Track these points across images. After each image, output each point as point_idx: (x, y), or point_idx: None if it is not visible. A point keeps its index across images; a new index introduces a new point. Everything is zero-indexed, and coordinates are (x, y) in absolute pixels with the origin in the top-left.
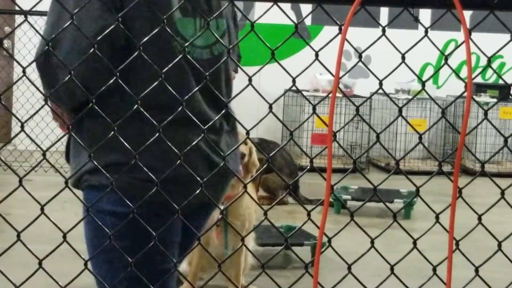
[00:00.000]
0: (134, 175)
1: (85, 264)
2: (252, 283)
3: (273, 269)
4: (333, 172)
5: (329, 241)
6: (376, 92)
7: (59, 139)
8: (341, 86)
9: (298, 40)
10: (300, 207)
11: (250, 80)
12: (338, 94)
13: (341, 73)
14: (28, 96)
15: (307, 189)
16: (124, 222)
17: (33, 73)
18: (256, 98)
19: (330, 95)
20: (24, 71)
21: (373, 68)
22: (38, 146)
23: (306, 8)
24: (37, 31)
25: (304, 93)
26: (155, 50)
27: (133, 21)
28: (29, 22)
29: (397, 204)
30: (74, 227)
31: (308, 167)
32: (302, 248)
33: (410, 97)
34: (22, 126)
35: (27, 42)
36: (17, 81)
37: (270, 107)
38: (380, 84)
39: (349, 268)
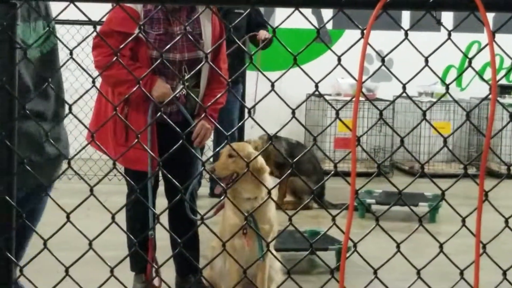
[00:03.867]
0: None
1: (111, 271)
2: None
3: (297, 274)
4: (357, 176)
5: (355, 245)
6: (400, 96)
7: (84, 148)
8: (363, 90)
9: (319, 45)
10: (324, 212)
11: (272, 86)
12: (361, 98)
13: (364, 77)
14: None
15: (331, 194)
16: None
17: (75, 82)
18: (277, 103)
19: (354, 99)
20: (48, 81)
21: (395, 71)
22: (63, 154)
23: (326, 12)
24: (59, 40)
25: (326, 97)
26: None
27: None
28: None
29: (422, 208)
30: (99, 234)
31: (332, 172)
32: (326, 253)
33: (433, 99)
34: (46, 135)
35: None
36: (41, 89)
37: (293, 112)
38: (404, 88)
39: (375, 272)
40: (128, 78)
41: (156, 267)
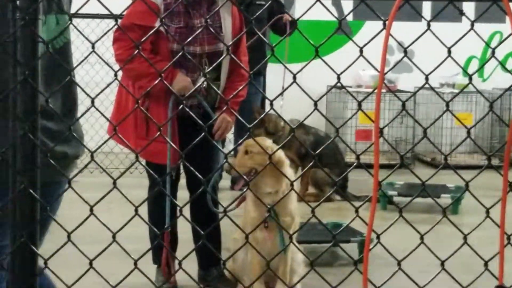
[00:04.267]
0: None
1: (135, 264)
2: (300, 281)
3: (319, 267)
4: (379, 167)
5: (378, 237)
6: (422, 87)
7: (106, 141)
8: (385, 81)
9: (339, 36)
10: (345, 204)
11: (294, 77)
12: (383, 90)
13: (385, 69)
14: None
15: (353, 186)
16: None
17: (76, 75)
18: (297, 95)
19: (376, 90)
20: (70, 74)
21: (416, 63)
22: (86, 147)
23: (347, 4)
24: (81, 32)
25: (348, 89)
26: None
27: None
28: (73, 25)
29: (444, 199)
30: (122, 227)
31: (355, 164)
32: (348, 245)
33: (455, 90)
34: (69, 129)
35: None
36: (64, 83)
37: (315, 104)
38: (426, 78)
39: (399, 264)
40: (149, 71)
41: (171, 260)
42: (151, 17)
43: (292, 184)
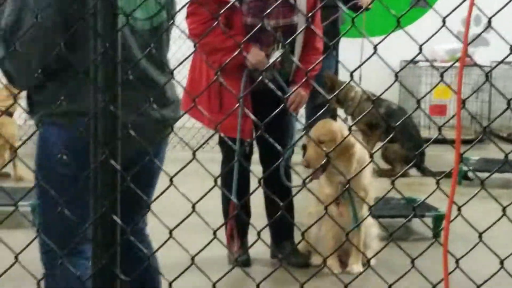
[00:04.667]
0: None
1: (214, 234)
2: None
3: (393, 241)
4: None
5: (459, 209)
6: (505, 59)
7: (183, 114)
8: (459, 55)
9: (414, 10)
10: (419, 179)
11: (375, 49)
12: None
13: (461, 43)
14: None
15: (427, 161)
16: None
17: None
18: (372, 68)
19: (455, 64)
20: (150, 47)
21: (493, 36)
22: (166, 120)
23: None
24: (199, 7)
25: (421, 63)
26: None
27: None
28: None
29: None
30: (201, 198)
31: (436, 137)
32: (423, 220)
33: None
34: (150, 102)
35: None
36: (144, 55)
37: (396, 76)
38: (511, 49)
39: (480, 236)
40: (223, 46)
41: (236, 234)
42: None
43: (371, 156)
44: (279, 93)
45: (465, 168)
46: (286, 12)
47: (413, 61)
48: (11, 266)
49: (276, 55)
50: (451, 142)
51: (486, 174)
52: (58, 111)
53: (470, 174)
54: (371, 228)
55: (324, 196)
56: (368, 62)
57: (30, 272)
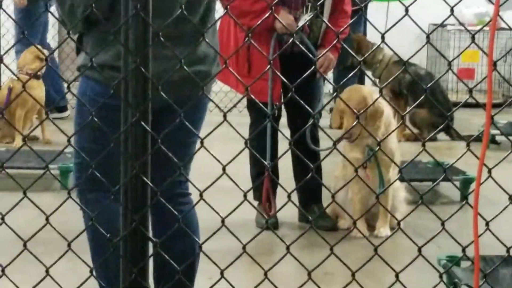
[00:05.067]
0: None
1: (245, 196)
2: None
3: (421, 205)
4: (481, 107)
5: (489, 172)
6: None
7: (214, 76)
8: (487, 18)
9: None
10: (446, 143)
11: (406, 10)
12: (486, 28)
13: (489, 7)
14: None
15: (455, 125)
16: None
17: None
18: (398, 31)
19: (485, 27)
20: (181, 7)
21: None
22: (196, 79)
23: None
24: None
25: (450, 27)
26: None
27: None
28: None
29: None
30: (231, 161)
31: (467, 99)
32: (449, 184)
33: None
34: (180, 61)
35: None
36: (176, 15)
37: (428, 37)
38: None
39: (510, 198)
40: (251, 9)
41: (272, 197)
42: None
43: (403, 117)
44: (309, 55)
45: (493, 131)
46: None
47: (441, 25)
48: (42, 228)
49: (305, 18)
50: (480, 106)
51: None
52: (94, 63)
53: (498, 138)
54: (399, 191)
55: (351, 160)
56: (397, 26)
57: (61, 234)
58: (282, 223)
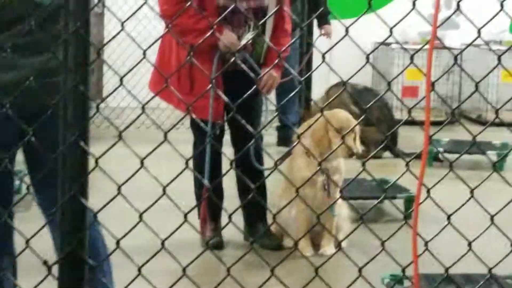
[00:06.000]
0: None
1: (185, 217)
2: (347, 238)
3: (367, 223)
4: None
5: (428, 192)
6: (473, 42)
7: (155, 95)
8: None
9: None
10: (392, 160)
11: (347, 31)
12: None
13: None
14: (119, 53)
15: (401, 143)
16: None
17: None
18: (343, 50)
19: (425, 46)
20: (122, 26)
21: (463, 19)
22: (138, 100)
23: None
24: None
25: (394, 45)
26: None
27: None
28: None
29: (490, 157)
30: (172, 181)
31: (406, 118)
32: (394, 202)
33: (502, 47)
34: (121, 80)
35: None
36: (116, 35)
37: (367, 58)
38: (479, 32)
39: (448, 218)
40: (195, 27)
41: (208, 216)
42: None
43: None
44: (252, 74)
45: (436, 149)
46: None
47: (385, 43)
48: None
49: (248, 37)
50: (422, 124)
51: (456, 156)
52: None
53: (440, 156)
54: (342, 210)
55: (301, 179)
56: (342, 45)
57: None
58: (228, 242)
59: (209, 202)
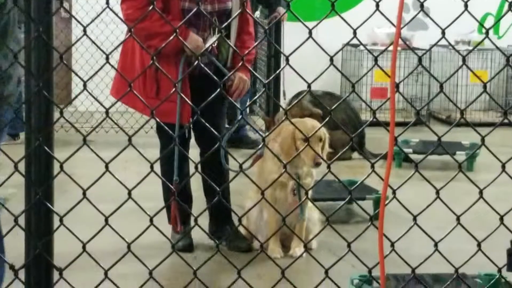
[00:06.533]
0: None
1: (151, 221)
2: (315, 238)
3: (335, 224)
4: (395, 125)
5: (394, 192)
6: (437, 43)
7: (119, 100)
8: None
9: None
10: (361, 162)
11: (310, 33)
12: (398, 47)
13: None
14: (87, 58)
15: (369, 144)
16: None
17: (91, 34)
18: (314, 53)
19: (390, 47)
20: (84, 30)
21: (431, 20)
22: (101, 104)
23: None
24: None
25: (362, 47)
26: None
27: None
28: None
29: (459, 157)
30: (137, 184)
31: (371, 120)
32: (364, 202)
33: (470, 48)
34: (84, 85)
35: (84, 3)
36: (78, 39)
37: (331, 59)
38: (443, 33)
39: (414, 219)
40: (161, 30)
41: (179, 217)
42: None
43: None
44: (215, 78)
45: (406, 150)
46: None
47: (354, 45)
48: None
49: (212, 40)
50: (387, 125)
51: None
52: None
53: (411, 156)
54: (313, 212)
55: (271, 181)
56: (313, 50)
57: None
58: (198, 245)
59: (178, 205)
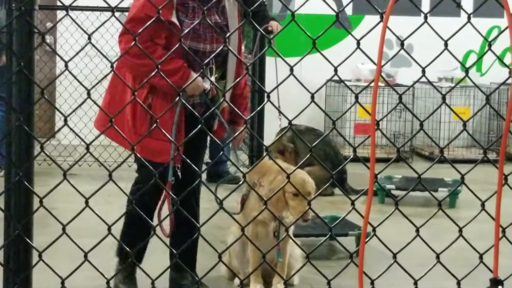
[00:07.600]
0: None
1: (131, 256)
2: (297, 274)
3: (317, 260)
4: (376, 161)
5: (374, 230)
6: (419, 80)
7: (102, 133)
8: (383, 75)
9: (339, 30)
10: (344, 197)
11: (291, 70)
12: (381, 84)
13: (383, 62)
14: (70, 91)
15: (352, 180)
16: None
17: (76, 68)
18: (297, 89)
19: (372, 84)
20: (66, 66)
21: (415, 57)
22: (82, 139)
23: None
24: (79, 25)
25: (346, 83)
26: None
27: None
28: (70, 17)
29: (442, 193)
30: (118, 220)
31: (351, 157)
32: (346, 239)
33: (453, 85)
34: (65, 120)
35: (69, 37)
36: (59, 75)
37: (312, 96)
38: (423, 71)
39: (394, 257)
40: (163, 68)
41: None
42: (166, 10)
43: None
44: (223, 121)
45: (389, 186)
46: (220, 37)
47: (338, 81)
48: None
49: (212, 80)
50: (377, 161)
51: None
52: None
53: (394, 192)
54: (295, 249)
55: (256, 219)
56: (296, 86)
57: None
58: None
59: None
